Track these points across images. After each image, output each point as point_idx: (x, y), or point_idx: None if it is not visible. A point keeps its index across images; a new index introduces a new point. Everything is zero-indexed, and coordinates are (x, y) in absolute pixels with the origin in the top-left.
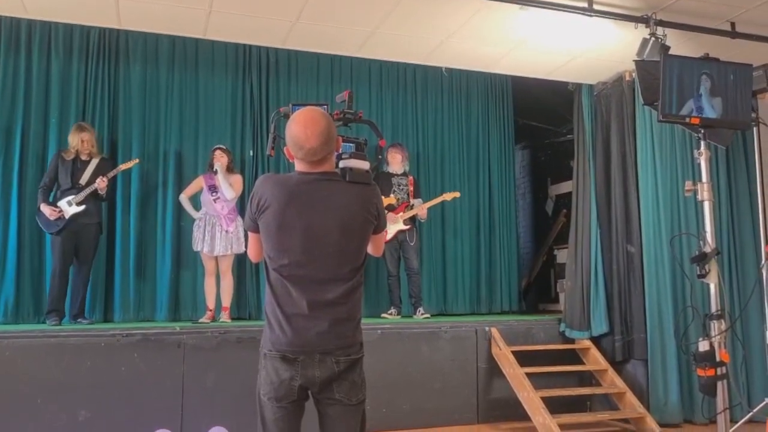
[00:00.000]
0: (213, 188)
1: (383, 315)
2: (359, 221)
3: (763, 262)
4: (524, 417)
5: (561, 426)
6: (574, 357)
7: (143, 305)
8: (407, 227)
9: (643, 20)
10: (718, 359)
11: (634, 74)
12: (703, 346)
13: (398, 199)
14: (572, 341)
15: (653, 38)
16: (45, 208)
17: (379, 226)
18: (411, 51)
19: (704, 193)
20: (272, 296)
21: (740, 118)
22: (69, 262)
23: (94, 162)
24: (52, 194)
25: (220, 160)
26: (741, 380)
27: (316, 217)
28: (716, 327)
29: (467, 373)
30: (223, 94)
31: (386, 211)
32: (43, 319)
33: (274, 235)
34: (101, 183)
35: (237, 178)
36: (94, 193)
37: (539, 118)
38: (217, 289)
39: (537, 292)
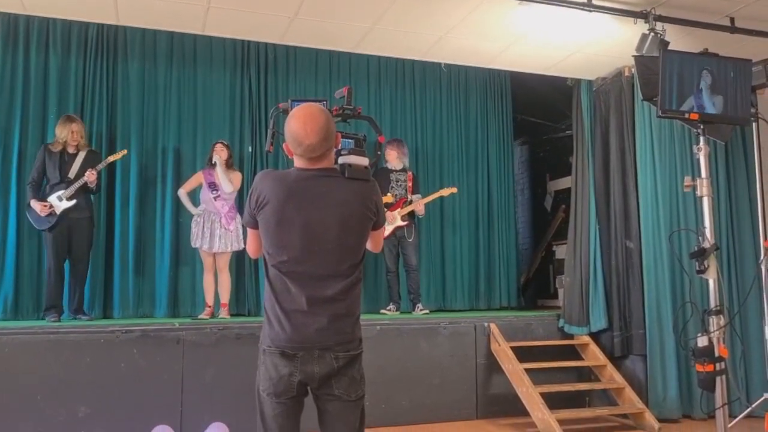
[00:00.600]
0: (213, 185)
1: (382, 311)
2: (358, 217)
3: (762, 257)
4: (523, 412)
5: (560, 421)
6: (573, 352)
7: (142, 301)
8: (405, 223)
9: (642, 15)
10: (716, 355)
11: (633, 69)
12: (702, 341)
13: (396, 196)
14: (571, 337)
15: (652, 33)
16: (35, 204)
17: (378, 222)
18: (410, 47)
19: (703, 188)
20: (271, 292)
21: (739, 114)
22: (63, 258)
23: (82, 155)
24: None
25: (220, 154)
26: (740, 375)
27: (315, 214)
28: (715, 322)
29: (466, 368)
30: (221, 90)
31: (384, 208)
32: (42, 315)
33: (273, 231)
34: (90, 176)
35: (236, 175)
36: (84, 187)
37: (538, 114)
38: (216, 286)
39: (536, 287)
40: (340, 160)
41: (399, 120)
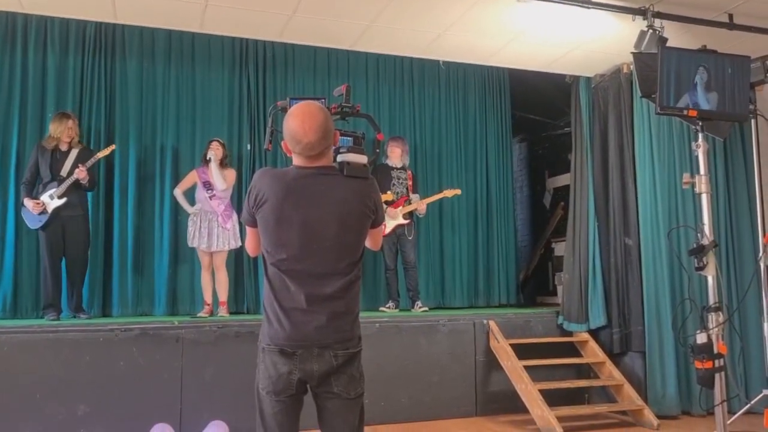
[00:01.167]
0: (207, 184)
1: (381, 309)
2: (357, 215)
3: (761, 254)
4: (522, 410)
5: (559, 418)
6: (572, 349)
7: (141, 300)
8: (406, 221)
9: (641, 12)
10: (715, 351)
11: (631, 66)
12: (701, 338)
13: (397, 194)
14: (570, 334)
15: (651, 30)
16: (28, 203)
17: (377, 220)
18: (408, 44)
19: (702, 185)
20: (270, 290)
21: (738, 111)
22: (58, 256)
23: (74, 152)
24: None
25: (215, 151)
26: (739, 372)
27: (313, 212)
28: (714, 319)
29: (465, 366)
30: (219, 88)
31: (385, 206)
32: (41, 314)
33: (272, 229)
34: (80, 173)
35: (230, 172)
36: (77, 184)
37: (537, 111)
38: (213, 285)
39: (535, 285)
40: (339, 158)
41: (397, 117)
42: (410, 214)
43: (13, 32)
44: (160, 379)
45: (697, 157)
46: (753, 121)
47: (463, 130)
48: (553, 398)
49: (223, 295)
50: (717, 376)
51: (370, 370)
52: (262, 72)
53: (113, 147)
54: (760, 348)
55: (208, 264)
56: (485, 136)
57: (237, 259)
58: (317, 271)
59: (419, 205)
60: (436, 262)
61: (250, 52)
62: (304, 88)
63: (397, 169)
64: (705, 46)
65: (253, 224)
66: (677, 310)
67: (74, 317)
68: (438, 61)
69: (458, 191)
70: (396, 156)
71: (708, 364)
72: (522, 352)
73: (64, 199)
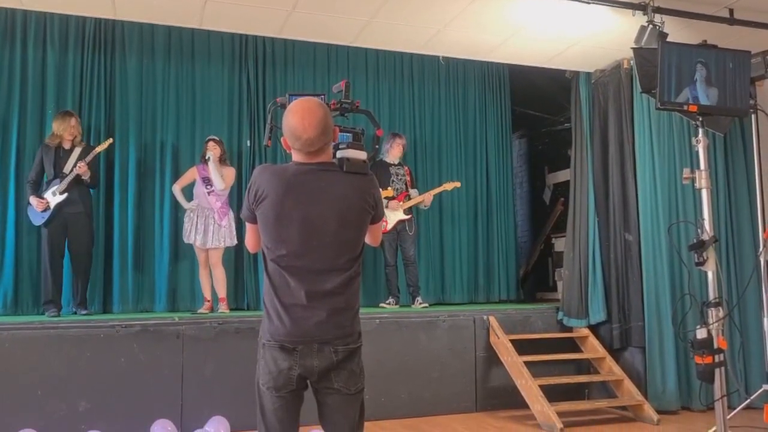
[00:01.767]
0: (207, 180)
1: (381, 304)
2: (357, 211)
3: (761, 249)
4: (522, 405)
5: (559, 414)
6: (572, 345)
7: (142, 296)
8: (408, 217)
9: (641, 7)
10: (715, 346)
11: (632, 62)
12: (701, 333)
13: (397, 190)
14: (570, 329)
15: (651, 25)
16: (33, 200)
17: (377, 216)
18: (407, 40)
19: (702, 180)
20: (270, 287)
21: (738, 106)
22: (59, 253)
23: (77, 150)
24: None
25: (213, 151)
26: (738, 367)
27: (313, 208)
28: (714, 314)
29: (465, 361)
30: (219, 85)
31: (386, 201)
32: (42, 310)
33: (271, 225)
34: (81, 168)
35: (230, 171)
36: (79, 181)
37: (537, 107)
38: (211, 281)
39: (535, 280)
40: (339, 154)
41: (397, 113)
42: (411, 209)
43: (13, 29)
44: (161, 376)
45: (697, 152)
46: (753, 116)
47: (463, 126)
48: (553, 394)
49: (221, 292)
50: (717, 371)
51: (370, 366)
52: (261, 68)
53: (111, 140)
54: (760, 343)
55: (204, 261)
56: (485, 131)
57: (237, 255)
58: (317, 267)
59: (425, 197)
60: (436, 258)
61: (250, 49)
62: (303, 84)
63: (395, 165)
64: (705, 41)
65: (253, 220)
66: (677, 305)
67: (74, 313)
68: (438, 56)
69: (458, 184)
70: (398, 152)
71: (708, 359)
72: (522, 347)
73: (65, 195)
